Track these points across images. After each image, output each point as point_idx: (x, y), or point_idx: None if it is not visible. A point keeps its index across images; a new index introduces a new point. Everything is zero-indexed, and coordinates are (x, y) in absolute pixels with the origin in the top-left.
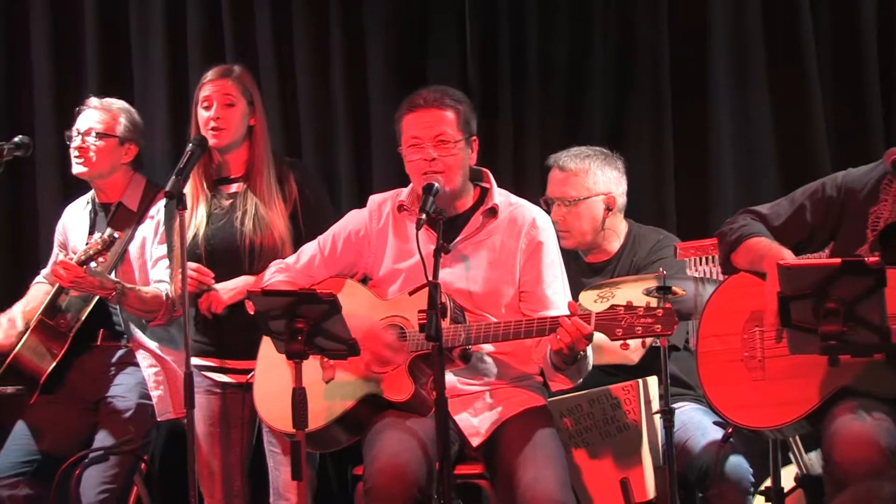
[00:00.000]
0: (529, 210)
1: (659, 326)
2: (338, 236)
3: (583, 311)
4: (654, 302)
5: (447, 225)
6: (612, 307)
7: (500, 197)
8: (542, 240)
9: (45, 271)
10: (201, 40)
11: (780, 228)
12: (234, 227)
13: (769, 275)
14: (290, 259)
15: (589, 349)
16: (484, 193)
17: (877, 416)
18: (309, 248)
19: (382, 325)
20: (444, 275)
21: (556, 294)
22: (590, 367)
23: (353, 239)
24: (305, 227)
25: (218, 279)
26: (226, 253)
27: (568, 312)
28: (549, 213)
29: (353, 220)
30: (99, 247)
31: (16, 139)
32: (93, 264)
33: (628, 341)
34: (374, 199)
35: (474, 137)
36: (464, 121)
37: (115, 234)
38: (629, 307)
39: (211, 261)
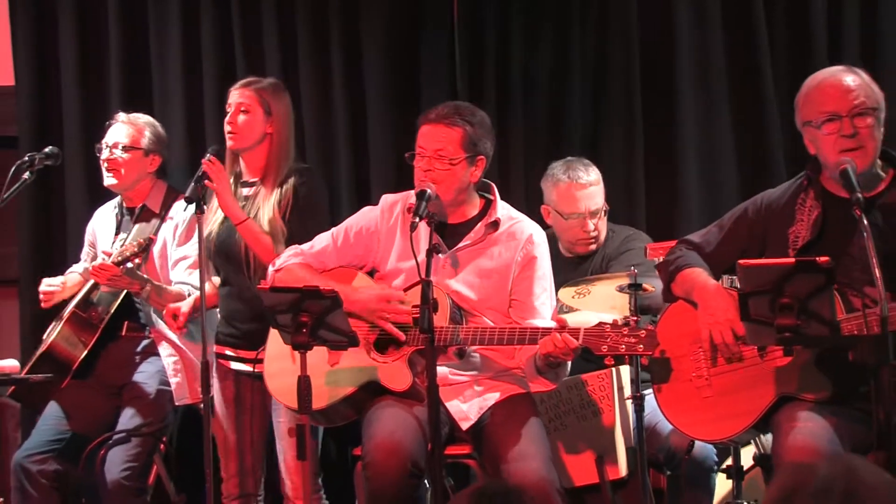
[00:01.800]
0: (528, 226)
1: (641, 347)
2: (350, 230)
3: (571, 327)
4: (626, 298)
5: (452, 230)
6: (600, 324)
7: (503, 210)
8: (537, 255)
9: (75, 266)
10: (215, 60)
11: (713, 254)
12: (235, 228)
13: (700, 306)
14: (305, 245)
15: (567, 362)
16: (488, 205)
17: (816, 425)
18: (323, 238)
19: (369, 334)
20: (446, 277)
21: (544, 305)
22: (567, 372)
23: (364, 234)
24: (289, 225)
25: (220, 273)
26: (226, 252)
27: (555, 325)
28: (569, 224)
29: (365, 216)
30: (135, 249)
31: (46, 150)
32: (129, 265)
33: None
34: (386, 199)
35: (481, 157)
36: (470, 140)
37: (150, 237)
38: (615, 325)
39: (216, 258)
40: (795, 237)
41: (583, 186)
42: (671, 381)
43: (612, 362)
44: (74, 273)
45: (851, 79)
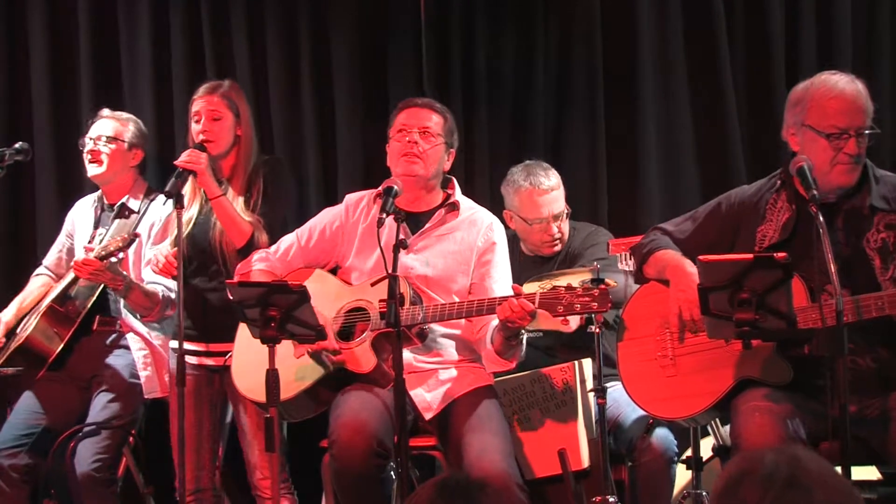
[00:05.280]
0: (488, 215)
1: (595, 304)
2: (314, 229)
3: (527, 292)
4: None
5: (415, 220)
6: (554, 288)
7: (462, 200)
8: (496, 240)
9: (46, 261)
10: (185, 56)
11: (684, 243)
12: (209, 224)
13: (672, 282)
14: (272, 248)
15: (524, 340)
16: (448, 198)
17: (775, 406)
18: (287, 239)
19: (333, 323)
20: (408, 260)
21: (502, 289)
22: (523, 352)
23: (328, 231)
24: (260, 213)
25: (193, 273)
26: (201, 248)
27: (511, 293)
28: (533, 229)
29: (328, 214)
30: (119, 244)
31: (16, 145)
32: (112, 259)
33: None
34: (350, 197)
35: (453, 149)
36: (448, 129)
37: (135, 234)
38: (569, 287)
39: (190, 254)
40: (763, 236)
41: (544, 192)
42: (636, 360)
43: (568, 323)
44: (42, 276)
45: (862, 95)
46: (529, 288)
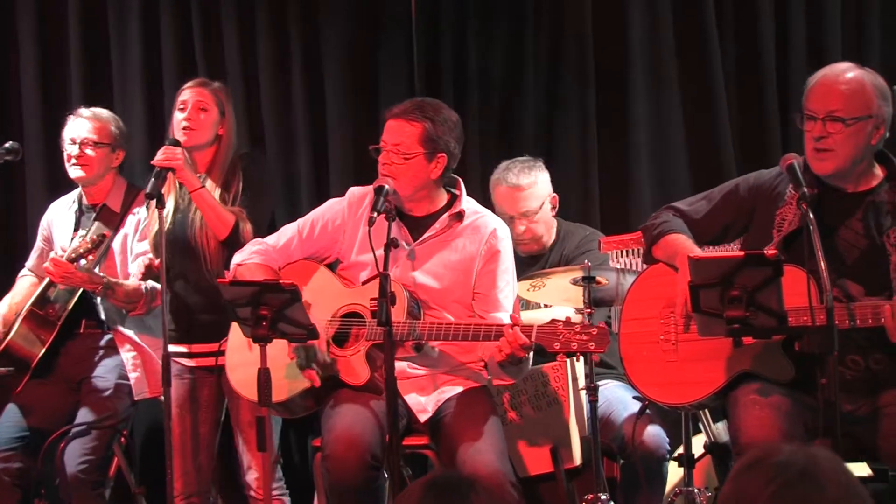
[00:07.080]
0: (492, 221)
1: (593, 344)
2: (316, 222)
3: (525, 322)
4: (580, 291)
5: (417, 223)
6: (553, 321)
7: (468, 204)
8: (500, 249)
9: (29, 263)
10: (175, 57)
11: (699, 223)
12: (188, 218)
13: (680, 270)
14: (271, 239)
15: (528, 360)
16: (454, 199)
17: (775, 400)
18: (288, 230)
19: (329, 327)
20: (407, 269)
21: (507, 298)
22: (529, 368)
23: (330, 227)
24: (242, 205)
25: (175, 267)
26: (182, 242)
27: (510, 322)
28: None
29: (331, 208)
30: (88, 245)
31: (7, 145)
32: (82, 261)
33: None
34: (353, 192)
35: (441, 154)
36: (428, 137)
37: (104, 234)
38: (567, 323)
39: (171, 249)
40: (782, 219)
41: (513, 189)
42: (638, 341)
43: (565, 357)
44: (28, 276)
45: (845, 81)
46: (521, 286)
